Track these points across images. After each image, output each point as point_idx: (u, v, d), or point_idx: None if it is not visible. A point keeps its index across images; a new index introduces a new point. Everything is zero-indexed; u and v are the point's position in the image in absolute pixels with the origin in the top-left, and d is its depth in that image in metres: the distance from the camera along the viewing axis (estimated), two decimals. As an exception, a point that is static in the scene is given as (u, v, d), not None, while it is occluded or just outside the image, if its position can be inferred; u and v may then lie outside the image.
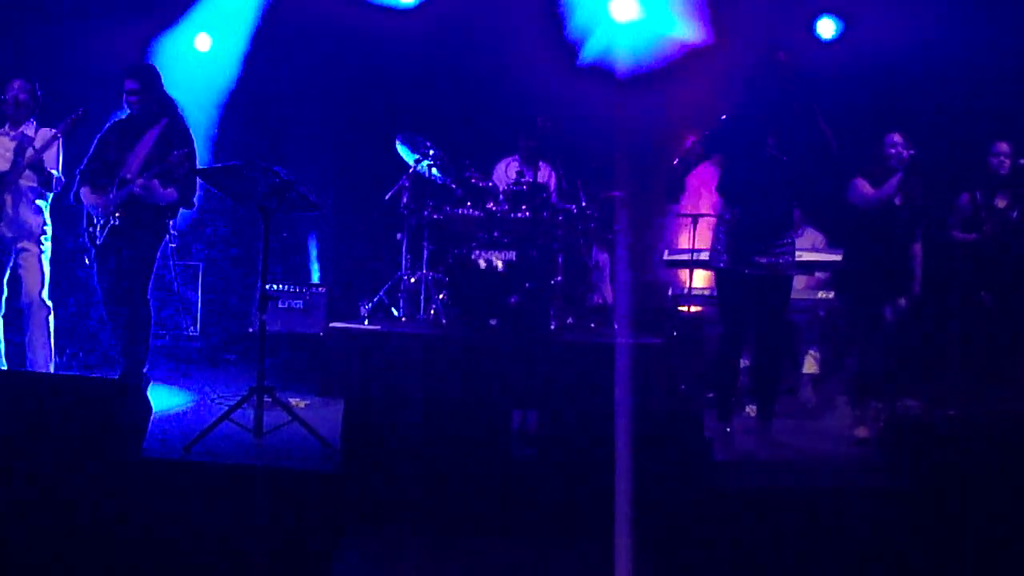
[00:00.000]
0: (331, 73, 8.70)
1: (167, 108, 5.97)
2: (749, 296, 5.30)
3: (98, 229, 5.83)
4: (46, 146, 5.97)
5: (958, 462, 4.31)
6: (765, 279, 5.20)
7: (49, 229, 6.17)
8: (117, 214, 5.76)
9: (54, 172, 6.04)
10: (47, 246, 6.15)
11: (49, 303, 6.13)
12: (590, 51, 8.17)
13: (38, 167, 5.96)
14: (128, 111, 5.97)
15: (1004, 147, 6.36)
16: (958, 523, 4.03)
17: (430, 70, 8.63)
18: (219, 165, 5.29)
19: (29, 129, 6.10)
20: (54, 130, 6.01)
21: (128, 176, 5.77)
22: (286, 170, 5.11)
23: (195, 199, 6.00)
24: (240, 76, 8.49)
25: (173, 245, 6.16)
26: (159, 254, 5.97)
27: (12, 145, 6.03)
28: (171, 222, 5.94)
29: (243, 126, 8.44)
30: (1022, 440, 4.46)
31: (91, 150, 5.99)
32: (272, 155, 7.83)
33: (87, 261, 5.96)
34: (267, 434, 4.97)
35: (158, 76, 6.01)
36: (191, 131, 6.00)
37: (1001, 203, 6.36)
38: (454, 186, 7.68)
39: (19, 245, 6.06)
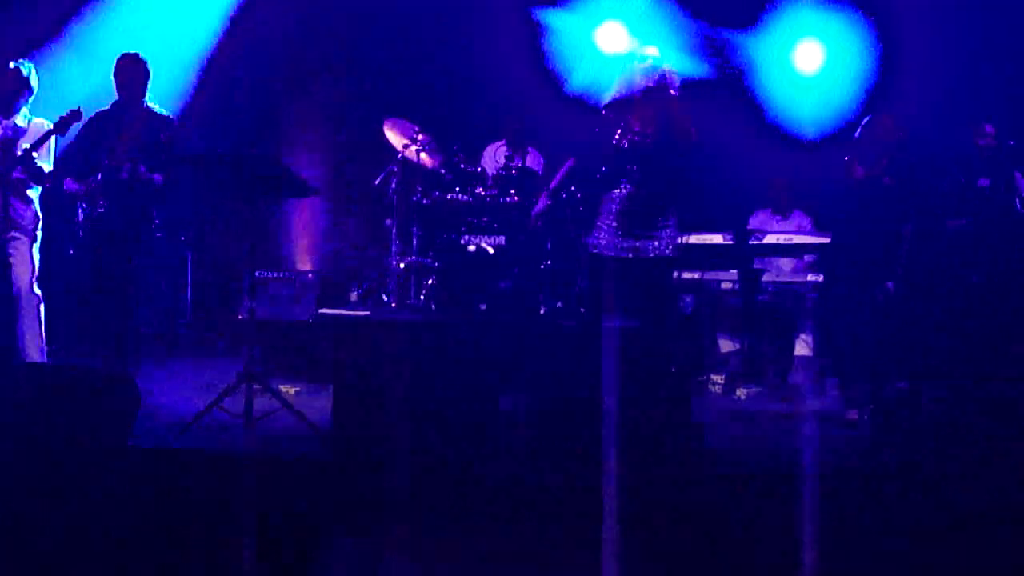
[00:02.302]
0: (319, 58, 8.66)
1: (149, 99, 6.00)
2: (613, 280, 5.38)
3: (83, 217, 5.82)
4: (38, 142, 5.93)
5: (946, 443, 4.34)
6: (635, 263, 5.25)
7: (40, 219, 6.15)
8: (102, 202, 5.75)
9: (44, 166, 6.01)
10: (38, 236, 6.12)
11: (39, 292, 6.11)
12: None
13: (27, 162, 5.93)
14: (115, 98, 5.95)
15: (990, 129, 6.38)
16: (947, 503, 4.05)
17: (418, 54, 8.60)
18: (206, 151, 5.27)
19: (22, 120, 6.07)
20: (46, 122, 5.98)
21: (114, 163, 5.76)
22: (275, 156, 5.08)
23: (180, 185, 5.99)
24: (227, 63, 8.46)
25: (159, 235, 6.16)
26: (146, 240, 5.96)
27: (0, 134, 6.01)
28: (156, 209, 5.94)
29: (231, 114, 8.40)
30: (1009, 421, 4.49)
31: (75, 140, 5.99)
32: (260, 141, 7.82)
33: (72, 251, 5.95)
34: (257, 421, 4.96)
35: (146, 66, 6.01)
36: (175, 120, 6.02)
37: (986, 183, 6.38)
38: (443, 171, 7.66)
39: (9, 235, 6.03)
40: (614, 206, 5.29)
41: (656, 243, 5.24)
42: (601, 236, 5.31)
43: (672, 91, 5.23)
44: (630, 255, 5.26)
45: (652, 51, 5.36)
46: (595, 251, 5.35)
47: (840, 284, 6.18)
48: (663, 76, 5.25)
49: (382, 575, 3.47)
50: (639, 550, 3.65)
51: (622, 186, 5.28)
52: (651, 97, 5.27)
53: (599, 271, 5.38)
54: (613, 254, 5.27)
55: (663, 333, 5.36)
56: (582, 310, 7.50)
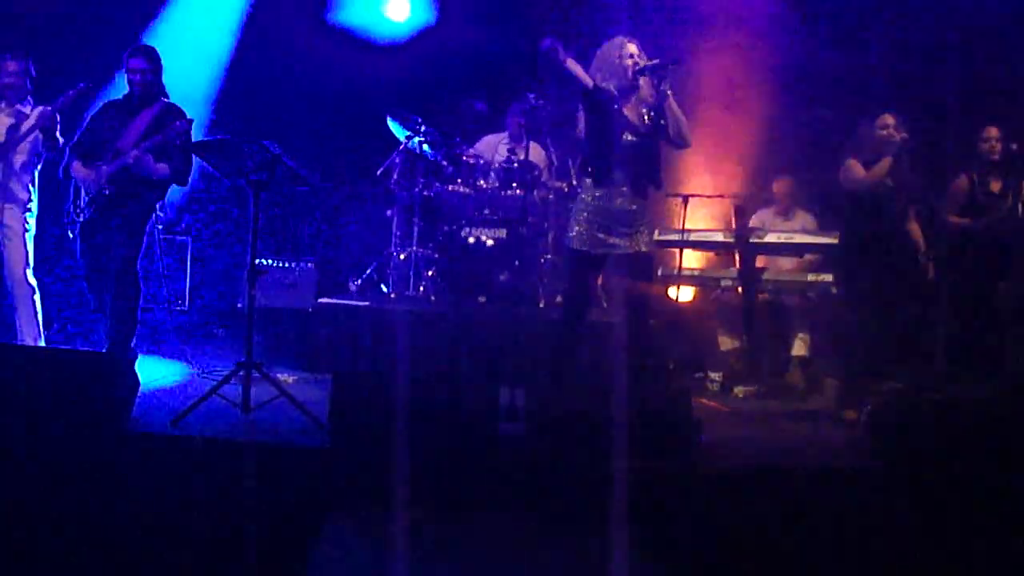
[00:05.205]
0: (322, 48, 8.63)
1: (163, 91, 5.98)
2: (596, 276, 5.45)
3: (85, 203, 5.81)
4: (46, 121, 5.92)
5: (945, 445, 4.34)
6: (623, 259, 5.24)
7: (35, 207, 6.16)
8: (106, 190, 5.74)
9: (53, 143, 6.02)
10: (31, 224, 6.15)
11: (34, 281, 6.13)
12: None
13: (48, 134, 5.91)
14: (127, 90, 5.94)
15: (994, 132, 6.34)
16: (943, 505, 4.06)
17: (421, 44, 8.59)
18: (211, 139, 5.26)
19: (25, 107, 6.08)
20: (50, 108, 5.96)
21: (121, 150, 5.75)
22: (277, 145, 5.07)
23: (188, 176, 5.98)
24: (232, 51, 8.44)
25: (161, 225, 6.19)
26: (148, 229, 5.95)
27: (8, 122, 6.05)
28: (160, 201, 5.95)
29: (235, 102, 8.38)
30: (1006, 423, 4.49)
31: (83, 126, 6.00)
32: (263, 131, 7.79)
33: (71, 235, 5.95)
34: (255, 409, 4.96)
35: (160, 59, 5.98)
36: (186, 114, 6.00)
37: (995, 187, 6.35)
38: (445, 163, 7.65)
39: (3, 221, 6.04)
40: (592, 202, 5.23)
41: (633, 240, 5.20)
42: (579, 232, 5.25)
43: (629, 59, 5.16)
44: (609, 252, 5.22)
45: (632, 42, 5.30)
46: (573, 247, 5.30)
47: (849, 283, 6.16)
48: (621, 46, 5.21)
49: (379, 564, 3.48)
50: (637, 541, 3.66)
51: (601, 181, 5.21)
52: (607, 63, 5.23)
53: (578, 268, 5.35)
54: (591, 250, 5.23)
55: (649, 329, 5.34)
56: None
